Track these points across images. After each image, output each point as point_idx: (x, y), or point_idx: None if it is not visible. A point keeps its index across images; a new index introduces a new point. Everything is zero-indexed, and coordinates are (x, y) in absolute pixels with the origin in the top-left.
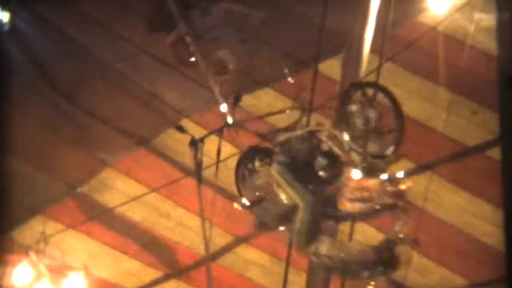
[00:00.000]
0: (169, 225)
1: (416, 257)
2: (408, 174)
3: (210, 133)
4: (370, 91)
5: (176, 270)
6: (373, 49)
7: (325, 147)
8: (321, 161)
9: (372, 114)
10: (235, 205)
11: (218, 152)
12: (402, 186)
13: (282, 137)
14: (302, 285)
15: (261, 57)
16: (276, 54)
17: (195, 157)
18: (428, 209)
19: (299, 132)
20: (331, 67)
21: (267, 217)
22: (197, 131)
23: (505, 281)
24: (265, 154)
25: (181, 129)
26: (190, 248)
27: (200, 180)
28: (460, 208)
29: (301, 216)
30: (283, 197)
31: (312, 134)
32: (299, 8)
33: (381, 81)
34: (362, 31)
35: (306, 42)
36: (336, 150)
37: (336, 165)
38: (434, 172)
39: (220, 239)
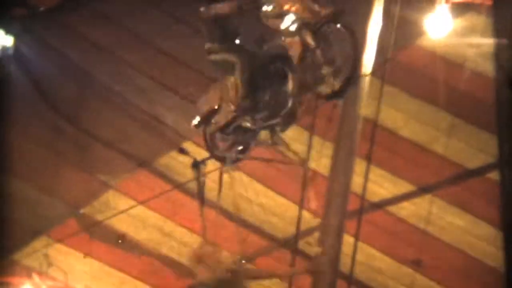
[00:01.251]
0: (172, 245)
1: (419, 278)
2: (409, 196)
3: (212, 155)
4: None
5: None
6: (373, 73)
7: None
8: None
9: None
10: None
11: (221, 174)
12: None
13: None
14: None
15: None
16: None
17: (197, 178)
18: (430, 231)
19: None
20: None
21: None
22: (199, 154)
23: None
24: None
25: (183, 151)
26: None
27: (202, 201)
28: (461, 230)
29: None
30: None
31: None
32: None
33: (382, 105)
34: (363, 54)
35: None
36: None
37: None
38: (435, 195)
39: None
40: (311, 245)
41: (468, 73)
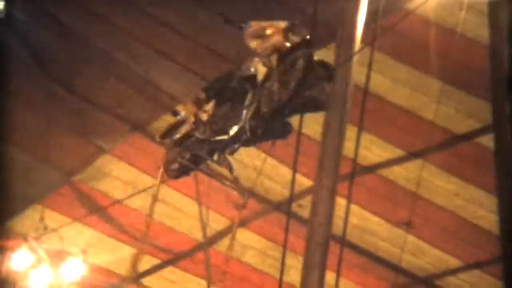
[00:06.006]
0: (166, 211)
1: (411, 239)
2: (400, 161)
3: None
4: None
5: (173, 257)
6: (363, 39)
7: None
8: None
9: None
10: None
11: None
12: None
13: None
14: (299, 268)
15: None
16: None
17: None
18: (420, 193)
19: None
20: (324, 57)
21: None
22: None
23: (498, 262)
24: None
25: (176, 115)
26: (186, 234)
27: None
28: (453, 193)
29: None
30: None
31: None
32: None
33: (373, 72)
34: (354, 19)
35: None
36: None
37: None
38: (426, 160)
39: (216, 224)
40: (303, 208)
41: (460, 37)
